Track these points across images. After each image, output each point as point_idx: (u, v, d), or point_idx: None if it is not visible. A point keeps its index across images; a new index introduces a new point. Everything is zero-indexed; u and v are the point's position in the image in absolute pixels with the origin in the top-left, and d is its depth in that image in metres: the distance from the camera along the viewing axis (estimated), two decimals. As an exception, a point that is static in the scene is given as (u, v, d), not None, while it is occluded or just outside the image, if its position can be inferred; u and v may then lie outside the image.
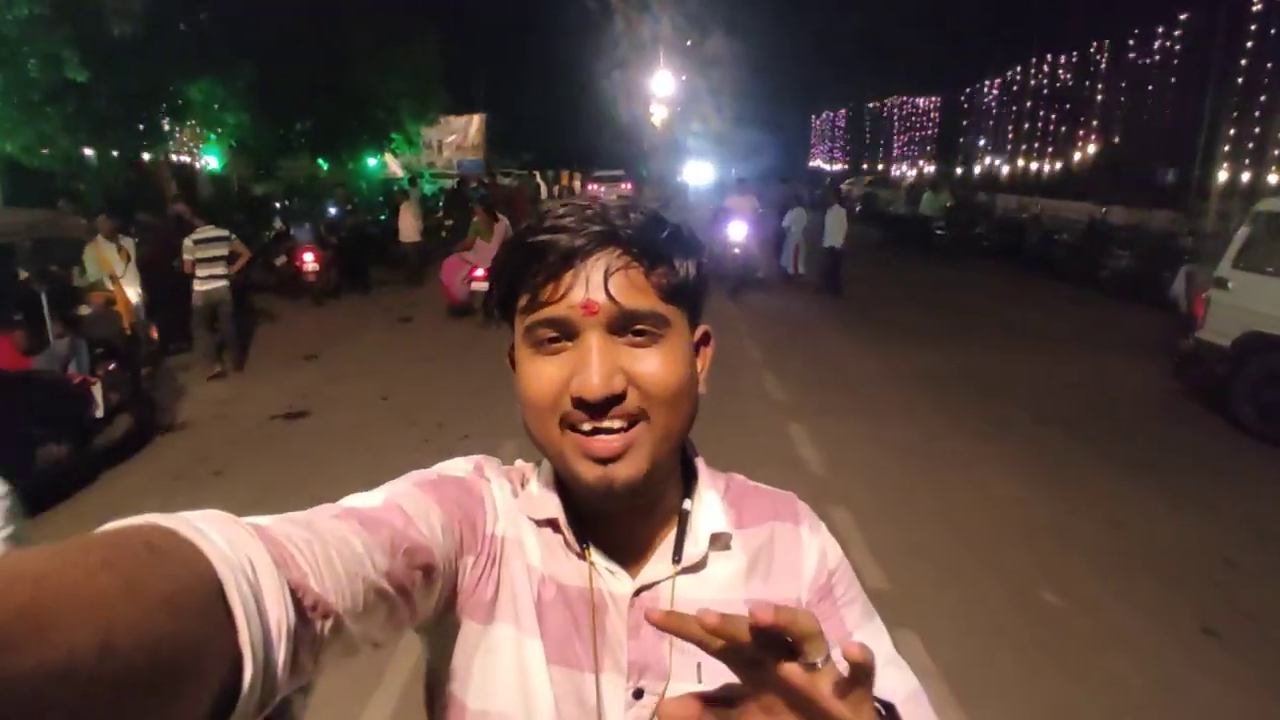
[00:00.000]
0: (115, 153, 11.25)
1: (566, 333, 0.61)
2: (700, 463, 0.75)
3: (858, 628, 0.73)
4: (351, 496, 0.60)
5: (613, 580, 0.67)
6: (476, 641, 0.65)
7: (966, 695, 2.77)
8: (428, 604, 0.60)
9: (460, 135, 27.27)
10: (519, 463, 0.77)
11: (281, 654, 0.40)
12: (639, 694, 0.65)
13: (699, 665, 0.66)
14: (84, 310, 5.56)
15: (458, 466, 0.71)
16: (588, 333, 0.61)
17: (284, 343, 8.28)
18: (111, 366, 5.17)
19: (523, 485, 0.72)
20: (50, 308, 4.98)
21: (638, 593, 0.67)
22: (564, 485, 0.69)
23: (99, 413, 4.84)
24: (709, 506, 0.71)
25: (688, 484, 0.73)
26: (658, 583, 0.68)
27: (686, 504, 0.71)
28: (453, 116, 25.52)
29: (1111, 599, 3.45)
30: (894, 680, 0.71)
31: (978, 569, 3.69)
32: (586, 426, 0.60)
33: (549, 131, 37.57)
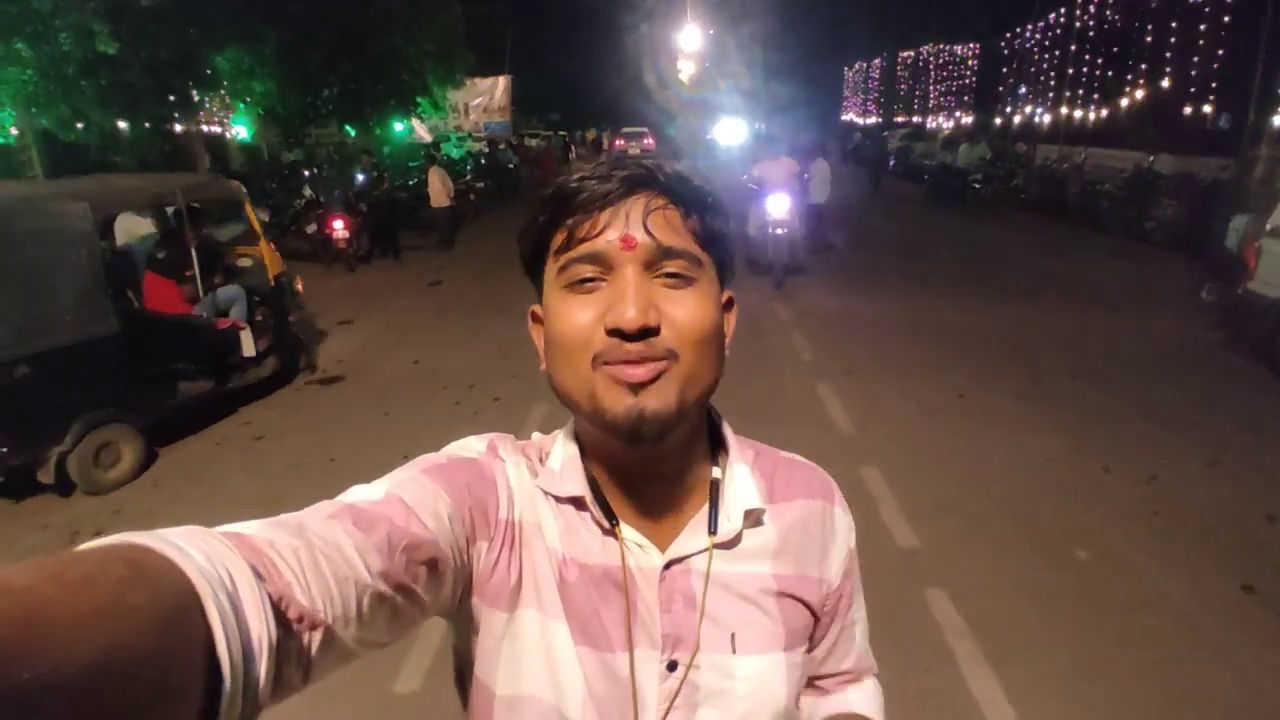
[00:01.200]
0: (148, 124, 11.40)
1: (603, 268, 0.62)
2: (727, 430, 0.74)
3: (855, 600, 0.80)
4: (354, 489, 0.59)
5: (641, 554, 0.67)
6: (502, 630, 0.65)
7: (996, 653, 2.77)
8: (439, 597, 0.59)
9: (486, 98, 27.08)
10: (535, 436, 0.75)
11: (263, 669, 0.39)
12: (673, 666, 0.65)
13: (732, 636, 0.67)
14: (246, 263, 6.07)
15: (469, 446, 0.70)
16: (624, 268, 0.61)
17: (318, 309, 8.41)
18: (264, 314, 5.85)
19: (541, 460, 0.71)
20: (215, 260, 5.70)
21: (668, 566, 0.67)
22: (587, 455, 0.69)
23: (248, 353, 5.42)
24: (740, 479, 0.71)
25: (714, 453, 0.72)
26: (689, 556, 0.67)
27: (716, 473, 0.71)
28: (479, 79, 25.32)
29: (1146, 556, 3.41)
30: (869, 660, 0.85)
31: (1009, 526, 3.66)
32: (620, 360, 0.60)
33: (576, 91, 37.16)
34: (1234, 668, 2.72)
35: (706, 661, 0.66)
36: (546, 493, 0.68)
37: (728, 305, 0.69)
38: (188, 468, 4.59)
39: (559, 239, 0.64)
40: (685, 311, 0.61)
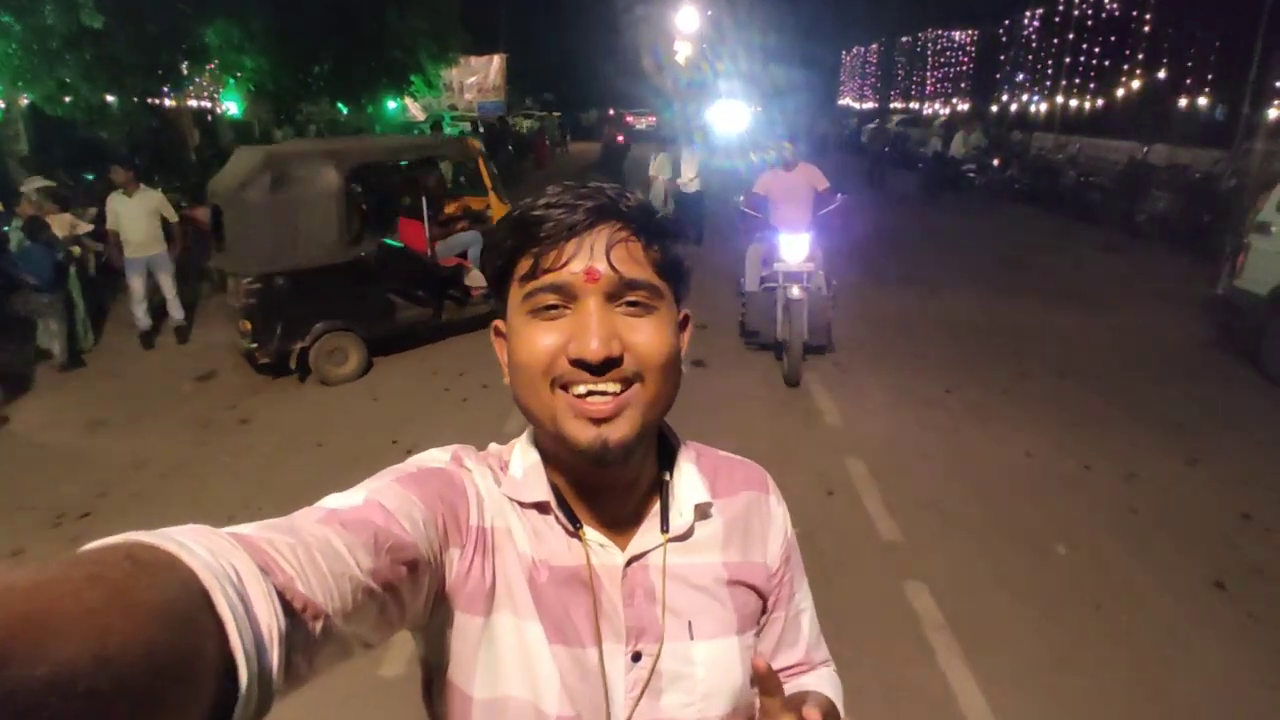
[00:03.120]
0: (136, 99, 11.23)
1: (566, 298, 0.64)
2: (673, 434, 0.79)
3: (798, 588, 0.84)
4: (331, 496, 0.61)
5: (604, 553, 0.70)
6: (478, 635, 0.66)
7: (972, 646, 2.82)
8: (416, 600, 0.61)
9: (481, 77, 26.70)
10: (492, 446, 0.78)
11: (275, 658, 0.40)
12: (637, 657, 0.69)
13: (690, 624, 0.71)
14: (491, 212, 7.08)
15: (435, 458, 0.72)
16: (587, 299, 0.64)
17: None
18: None
19: (503, 469, 0.74)
20: (460, 209, 7.12)
21: (629, 563, 0.70)
22: (548, 463, 0.72)
23: (473, 291, 6.51)
24: (688, 477, 0.76)
25: (662, 456, 0.77)
26: (647, 552, 0.71)
27: (666, 475, 0.75)
28: (473, 57, 24.96)
29: (1123, 552, 3.46)
30: (822, 652, 0.87)
31: (990, 522, 3.70)
32: (582, 389, 0.63)
33: (571, 73, 36.84)
34: (1201, 663, 2.78)
35: (668, 650, 0.70)
36: (511, 499, 0.71)
37: (683, 324, 0.73)
38: (173, 451, 4.59)
39: (524, 266, 0.66)
40: (646, 339, 0.65)
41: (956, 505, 3.85)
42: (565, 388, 0.63)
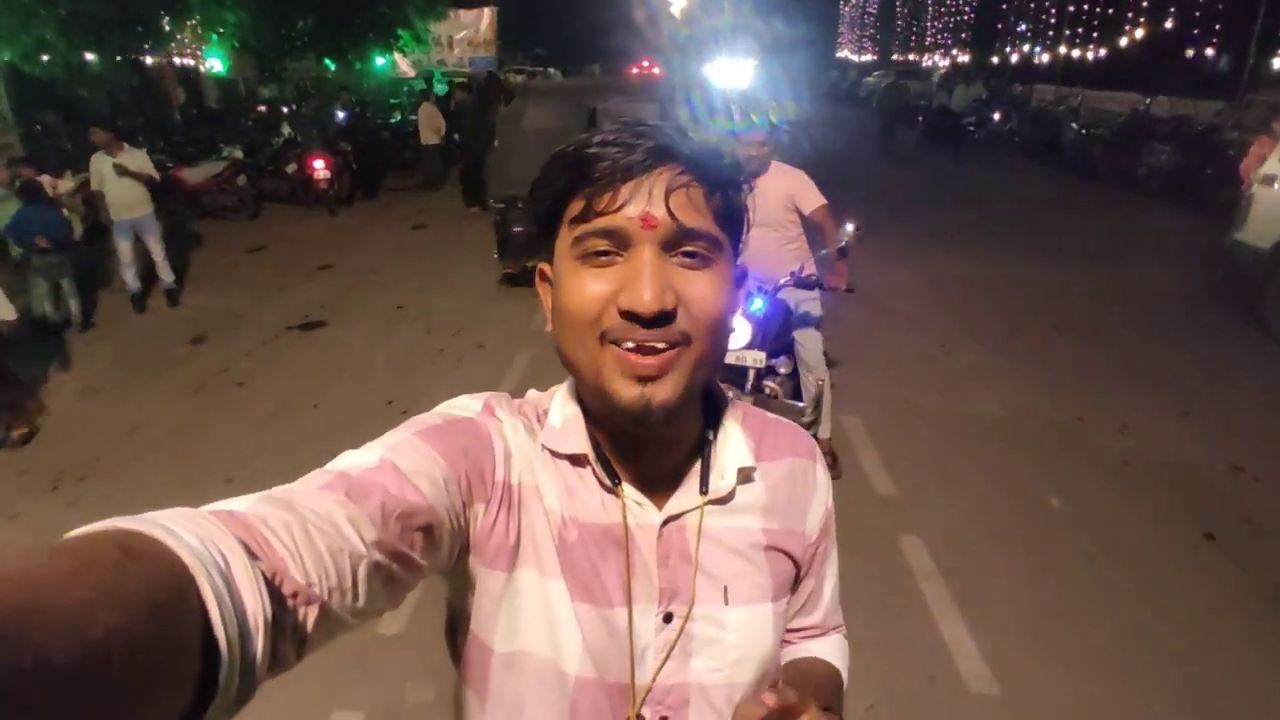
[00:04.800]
0: (116, 57, 10.96)
1: (619, 244, 0.60)
2: (720, 391, 0.76)
3: (829, 560, 0.83)
4: (345, 455, 0.59)
5: (640, 512, 0.68)
6: (501, 590, 0.66)
7: (965, 598, 2.85)
8: (436, 559, 0.60)
9: (471, 31, 26.09)
10: (532, 393, 0.76)
11: (259, 646, 0.40)
12: (668, 618, 0.68)
13: (725, 589, 0.69)
14: None
15: (465, 406, 0.70)
16: (641, 246, 0.60)
17: (298, 252, 8.28)
18: None
19: (539, 419, 0.71)
20: None
21: (665, 523, 0.68)
22: (587, 415, 0.69)
23: None
24: (733, 438, 0.73)
25: (708, 414, 0.74)
26: (685, 513, 0.69)
27: (709, 434, 0.73)
28: (462, 11, 24.39)
29: (1115, 505, 3.48)
30: (837, 618, 0.88)
31: (985, 476, 3.72)
32: (631, 344, 0.60)
33: (563, 25, 36.02)
34: (1191, 613, 2.82)
35: (701, 613, 0.68)
36: (548, 449, 0.68)
37: (740, 279, 0.69)
38: (167, 415, 4.57)
39: (575, 207, 0.62)
40: (702, 294, 0.61)
41: (952, 460, 3.86)
42: (615, 343, 0.60)
